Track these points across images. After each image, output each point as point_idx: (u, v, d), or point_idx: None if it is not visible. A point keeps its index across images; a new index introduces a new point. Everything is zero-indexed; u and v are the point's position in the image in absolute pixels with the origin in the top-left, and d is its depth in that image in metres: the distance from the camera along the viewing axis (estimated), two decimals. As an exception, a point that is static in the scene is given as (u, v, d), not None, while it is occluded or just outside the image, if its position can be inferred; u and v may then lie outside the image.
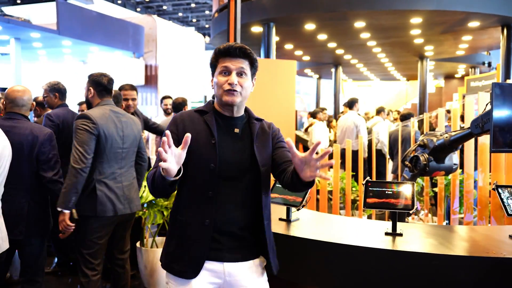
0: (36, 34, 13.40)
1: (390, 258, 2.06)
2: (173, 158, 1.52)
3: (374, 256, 2.09)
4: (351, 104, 7.52)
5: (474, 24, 9.42)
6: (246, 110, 1.88)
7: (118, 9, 26.75)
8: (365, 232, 2.39)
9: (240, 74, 1.75)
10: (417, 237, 2.28)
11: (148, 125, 4.67)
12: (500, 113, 2.31)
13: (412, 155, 3.15)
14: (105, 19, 15.57)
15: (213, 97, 1.90)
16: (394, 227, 2.30)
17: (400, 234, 2.27)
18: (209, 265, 1.73)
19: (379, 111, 8.38)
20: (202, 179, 1.71)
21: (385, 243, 2.14)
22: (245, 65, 1.76)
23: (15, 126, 2.84)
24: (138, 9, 31.38)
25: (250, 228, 1.77)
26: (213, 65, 1.80)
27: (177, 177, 1.57)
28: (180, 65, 18.26)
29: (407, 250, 2.04)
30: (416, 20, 9.07)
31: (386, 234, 2.29)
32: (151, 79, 17.24)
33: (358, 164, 5.42)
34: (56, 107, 3.89)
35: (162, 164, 1.49)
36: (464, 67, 17.99)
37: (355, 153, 5.70)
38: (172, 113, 6.15)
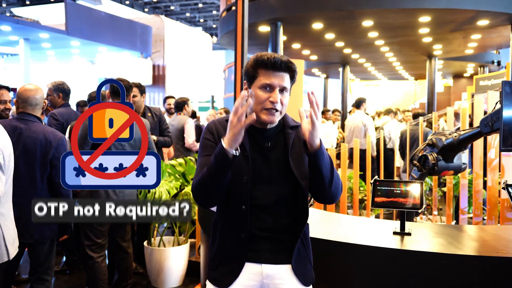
0: (45, 34, 13.51)
1: (398, 258, 2.05)
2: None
3: (383, 256, 2.08)
4: (358, 103, 7.53)
5: (483, 22, 9.34)
6: (283, 117, 1.78)
7: (126, 9, 26.89)
8: (373, 231, 2.38)
9: (282, 90, 1.66)
10: (425, 236, 2.26)
11: (160, 127, 4.63)
12: (510, 112, 2.27)
13: (420, 154, 3.14)
14: (113, 19, 15.66)
15: None
16: (402, 226, 2.28)
17: (409, 234, 2.25)
18: (247, 266, 1.71)
19: (388, 112, 8.39)
20: (237, 192, 1.68)
21: (394, 243, 2.13)
22: (286, 79, 1.66)
23: (28, 129, 2.82)
24: (146, 10, 31.48)
25: (288, 234, 1.73)
26: (251, 76, 1.68)
27: (237, 152, 1.54)
28: (188, 65, 18.30)
29: (416, 249, 2.02)
30: (424, 18, 9.01)
31: (395, 233, 2.28)
32: (158, 79, 17.31)
33: (366, 163, 5.40)
34: (59, 106, 3.93)
35: (241, 122, 1.48)
36: (473, 66, 17.84)
37: (364, 152, 5.69)
38: (175, 113, 6.20)
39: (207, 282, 1.78)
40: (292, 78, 1.69)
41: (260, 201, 1.69)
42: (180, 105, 5.65)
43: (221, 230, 1.76)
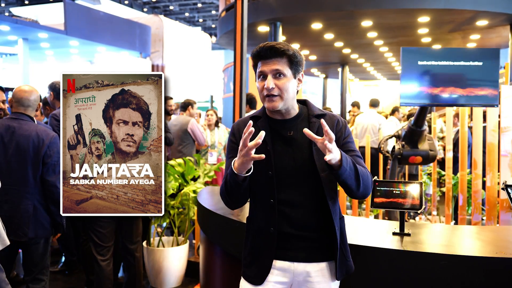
0: (44, 34, 13.50)
1: (398, 258, 2.05)
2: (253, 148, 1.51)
3: (382, 256, 2.08)
4: (375, 103, 7.51)
5: (482, 22, 9.34)
6: (306, 105, 1.80)
7: (125, 9, 26.85)
8: (373, 232, 2.38)
9: (277, 75, 1.65)
10: (425, 237, 2.26)
11: None
12: (407, 75, 2.70)
13: (382, 144, 3.38)
14: (112, 19, 15.65)
15: None
16: (401, 227, 2.28)
17: (408, 234, 2.25)
18: (278, 264, 1.72)
19: (394, 111, 8.29)
20: (263, 187, 1.69)
21: (393, 243, 2.13)
22: (280, 65, 1.65)
23: (20, 127, 2.85)
24: (145, 9, 31.46)
25: (320, 230, 1.71)
26: (254, 70, 1.74)
27: (248, 174, 1.57)
28: (187, 65, 18.30)
29: (415, 250, 2.02)
30: (423, 19, 9.01)
31: (394, 234, 2.28)
32: (157, 79, 17.27)
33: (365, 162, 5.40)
34: (59, 106, 3.92)
35: (249, 156, 1.50)
36: (472, 66, 17.83)
37: (376, 151, 5.72)
38: (174, 114, 6.23)
39: (242, 280, 1.80)
40: (291, 62, 1.67)
41: (287, 195, 1.69)
42: (185, 105, 5.71)
43: (253, 228, 1.78)
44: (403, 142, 3.18)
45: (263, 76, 1.67)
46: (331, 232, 1.71)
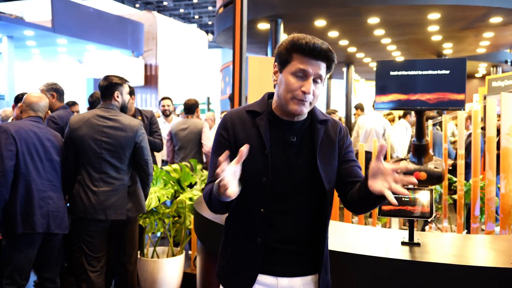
0: (30, 31, 13.53)
1: (407, 269, 2.07)
2: (232, 178, 1.39)
3: (391, 267, 2.10)
4: None
5: (496, 20, 9.39)
6: (311, 110, 1.70)
7: (116, 5, 26.89)
8: (380, 241, 2.40)
9: (316, 80, 1.58)
10: (435, 247, 2.28)
11: (150, 129, 4.61)
12: (380, 84, 3.01)
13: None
14: (103, 16, 15.68)
15: (269, 96, 1.75)
16: (411, 236, 2.30)
17: (418, 244, 2.27)
18: (261, 278, 1.69)
19: (406, 114, 8.18)
20: (254, 194, 1.62)
21: (402, 253, 2.15)
22: (322, 69, 1.58)
23: (46, 131, 3.18)
24: (137, 5, 31.51)
25: (307, 244, 1.69)
26: (284, 59, 1.60)
27: (234, 198, 1.45)
28: (182, 65, 18.33)
29: (425, 260, 2.04)
30: (434, 15, 9.06)
31: (403, 243, 2.29)
32: (151, 79, 17.33)
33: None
34: (57, 109, 3.97)
35: (227, 192, 1.37)
36: (485, 66, 17.91)
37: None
38: (171, 115, 6.24)
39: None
40: (329, 68, 1.61)
41: (279, 205, 1.64)
42: (193, 107, 5.64)
43: (235, 235, 1.73)
44: (412, 158, 3.31)
45: (304, 76, 1.56)
46: (318, 245, 1.70)
